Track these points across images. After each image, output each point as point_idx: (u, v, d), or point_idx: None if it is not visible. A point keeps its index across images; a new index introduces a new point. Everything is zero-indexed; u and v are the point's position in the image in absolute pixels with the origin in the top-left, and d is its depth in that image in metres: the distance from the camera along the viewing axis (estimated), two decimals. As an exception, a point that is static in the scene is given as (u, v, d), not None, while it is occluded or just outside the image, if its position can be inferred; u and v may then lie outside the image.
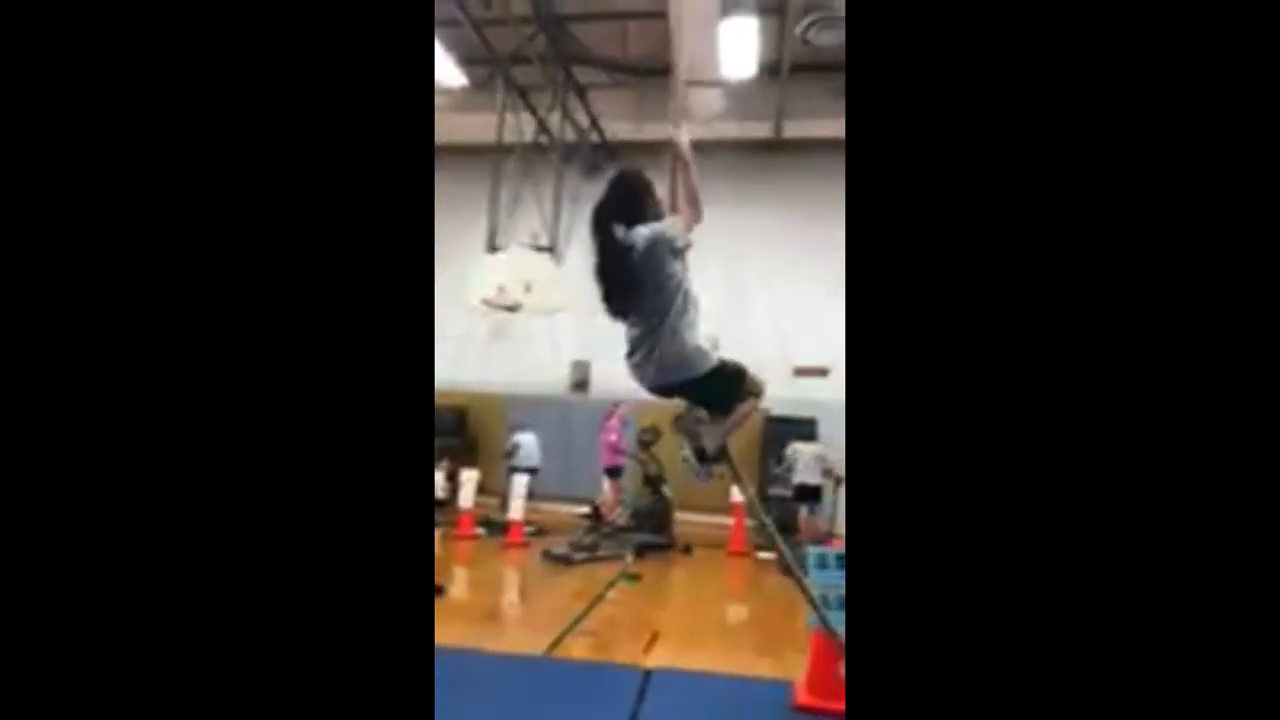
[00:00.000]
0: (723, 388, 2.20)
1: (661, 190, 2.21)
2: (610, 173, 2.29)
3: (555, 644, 4.00)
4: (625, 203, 2.16)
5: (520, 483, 7.19)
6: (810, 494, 7.13)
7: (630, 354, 2.16)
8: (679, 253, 2.10)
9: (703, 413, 2.33)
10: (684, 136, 2.17)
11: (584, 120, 8.33)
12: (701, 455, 2.29)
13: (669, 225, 2.12)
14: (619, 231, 2.11)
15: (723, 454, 2.36)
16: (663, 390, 2.18)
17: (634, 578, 5.73)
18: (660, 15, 6.93)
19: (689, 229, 2.14)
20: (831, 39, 6.81)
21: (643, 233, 2.09)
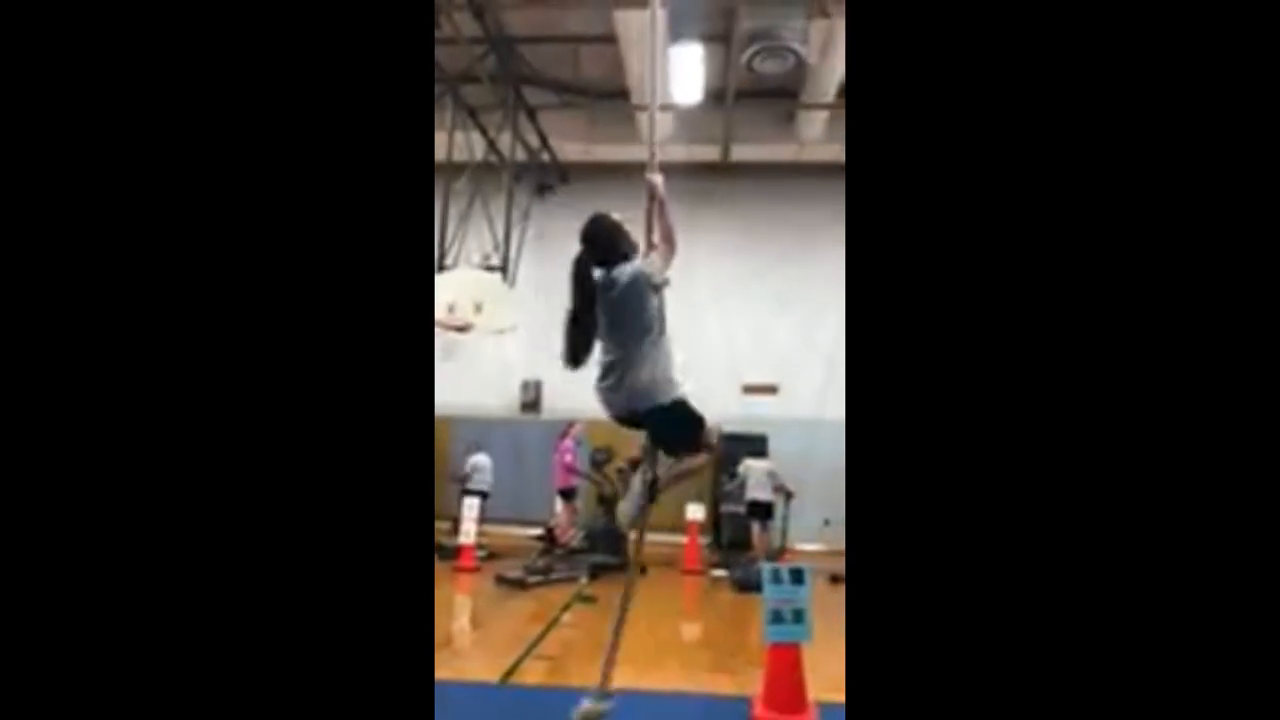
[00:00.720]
0: (682, 428, 2.23)
1: (631, 228, 2.33)
2: (581, 219, 2.39)
3: (511, 670, 3.93)
4: (602, 247, 2.27)
5: (471, 506, 7.05)
6: (762, 510, 7.23)
7: (602, 379, 2.22)
8: (657, 289, 2.22)
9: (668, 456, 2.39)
10: (659, 179, 2.29)
11: (534, 140, 8.35)
12: (652, 486, 2.33)
13: (648, 264, 2.24)
14: (597, 274, 2.23)
15: (655, 491, 2.38)
16: (629, 418, 2.21)
17: (589, 599, 5.67)
18: (610, 40, 7.06)
19: (666, 265, 2.25)
20: (774, 67, 7.05)
21: (625, 270, 2.21)
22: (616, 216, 2.34)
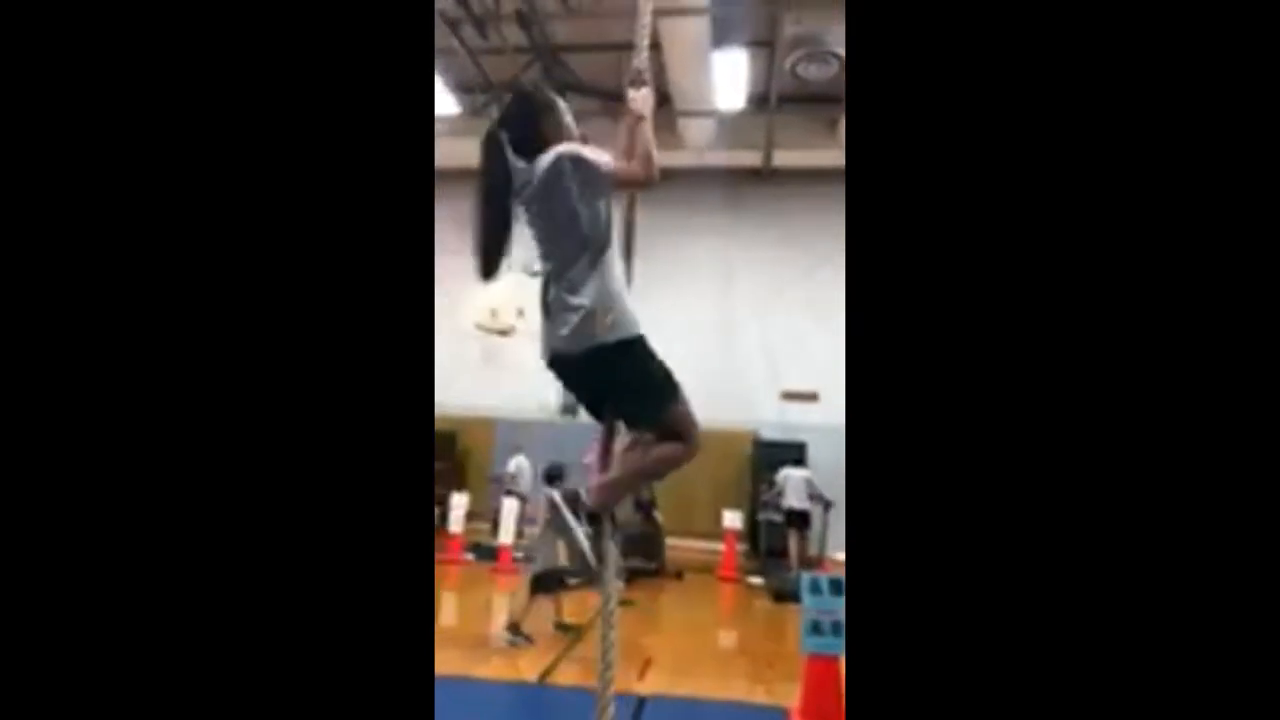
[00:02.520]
0: (643, 383, 1.56)
1: (571, 119, 1.70)
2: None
3: (547, 671, 3.97)
4: (522, 124, 1.63)
5: (511, 508, 7.15)
6: (799, 518, 7.16)
7: (541, 312, 1.63)
8: (596, 186, 1.56)
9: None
10: (645, 93, 1.67)
11: (577, 147, 8.44)
12: (575, 503, 1.65)
13: (581, 147, 1.59)
14: (518, 163, 1.61)
15: (602, 519, 1.65)
16: (565, 367, 1.59)
17: (625, 603, 5.69)
18: (654, 47, 7.10)
19: (638, 183, 1.62)
20: (819, 72, 7.00)
21: (546, 157, 1.57)
22: (553, 95, 1.72)
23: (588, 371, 1.57)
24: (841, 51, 6.70)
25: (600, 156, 1.58)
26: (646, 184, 1.61)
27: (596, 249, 1.56)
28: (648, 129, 1.63)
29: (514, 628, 4.50)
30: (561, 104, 1.70)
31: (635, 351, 1.55)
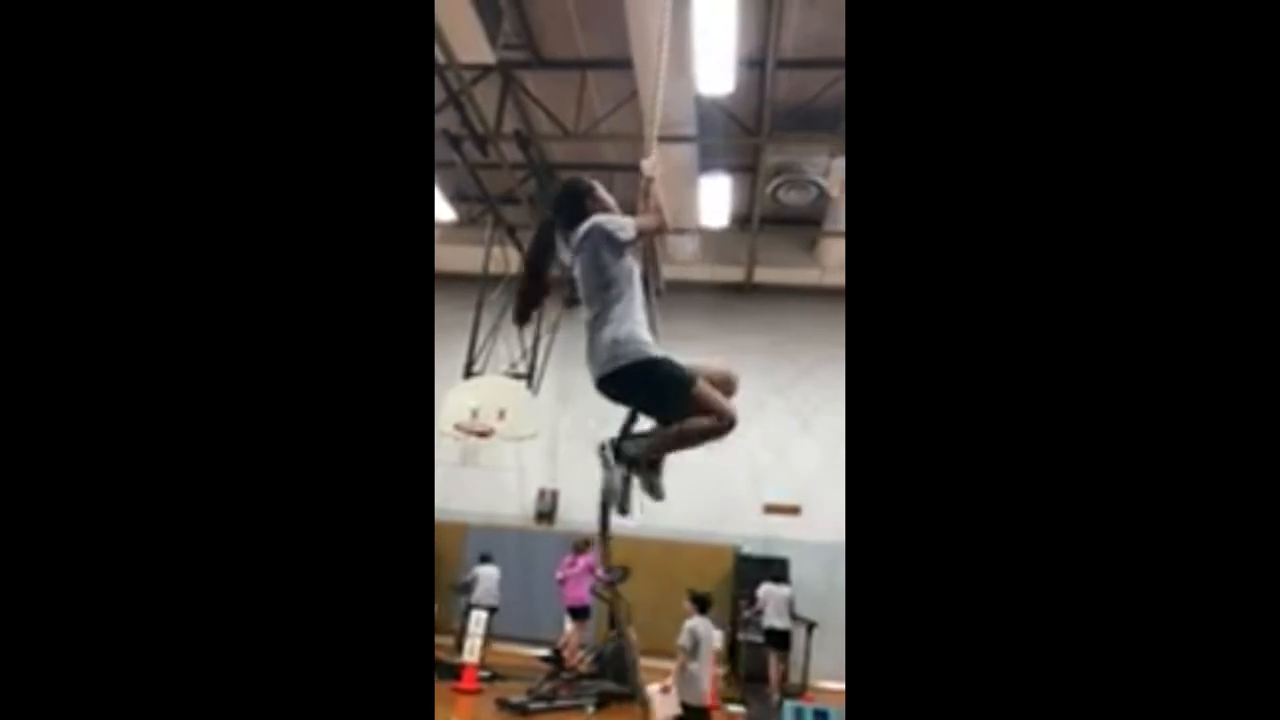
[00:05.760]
0: (661, 387, 1.88)
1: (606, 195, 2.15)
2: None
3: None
4: (567, 206, 2.11)
5: (478, 621, 6.75)
6: (780, 639, 6.83)
7: (586, 351, 2.00)
8: (620, 248, 1.97)
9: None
10: (656, 163, 2.17)
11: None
12: (619, 453, 1.95)
13: (606, 217, 2.01)
14: (568, 234, 2.08)
15: (650, 466, 1.96)
16: (606, 388, 1.94)
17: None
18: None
19: (654, 231, 2.09)
20: (799, 197, 7.42)
21: (581, 228, 2.01)
22: (591, 180, 2.18)
23: (620, 390, 1.93)
24: (819, 179, 7.15)
25: (621, 226, 1.99)
26: (660, 231, 2.12)
27: (618, 296, 1.94)
28: (657, 192, 2.13)
29: None
30: (599, 185, 2.15)
31: (651, 370, 1.88)
